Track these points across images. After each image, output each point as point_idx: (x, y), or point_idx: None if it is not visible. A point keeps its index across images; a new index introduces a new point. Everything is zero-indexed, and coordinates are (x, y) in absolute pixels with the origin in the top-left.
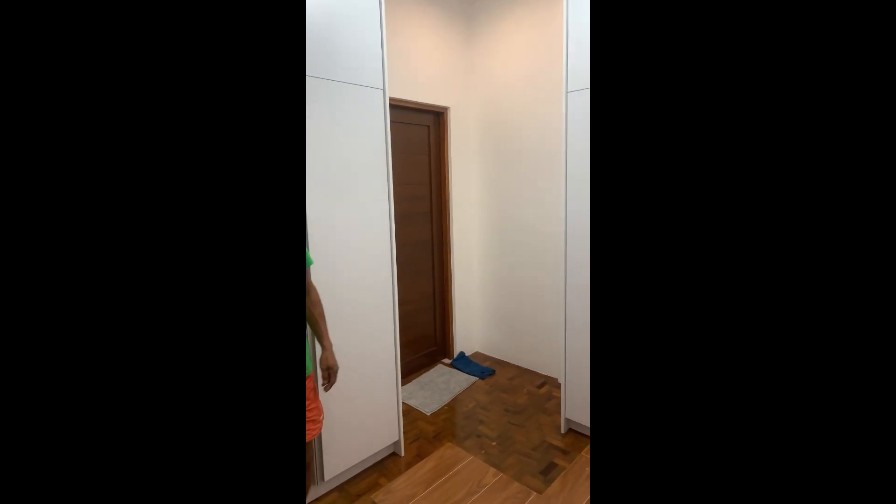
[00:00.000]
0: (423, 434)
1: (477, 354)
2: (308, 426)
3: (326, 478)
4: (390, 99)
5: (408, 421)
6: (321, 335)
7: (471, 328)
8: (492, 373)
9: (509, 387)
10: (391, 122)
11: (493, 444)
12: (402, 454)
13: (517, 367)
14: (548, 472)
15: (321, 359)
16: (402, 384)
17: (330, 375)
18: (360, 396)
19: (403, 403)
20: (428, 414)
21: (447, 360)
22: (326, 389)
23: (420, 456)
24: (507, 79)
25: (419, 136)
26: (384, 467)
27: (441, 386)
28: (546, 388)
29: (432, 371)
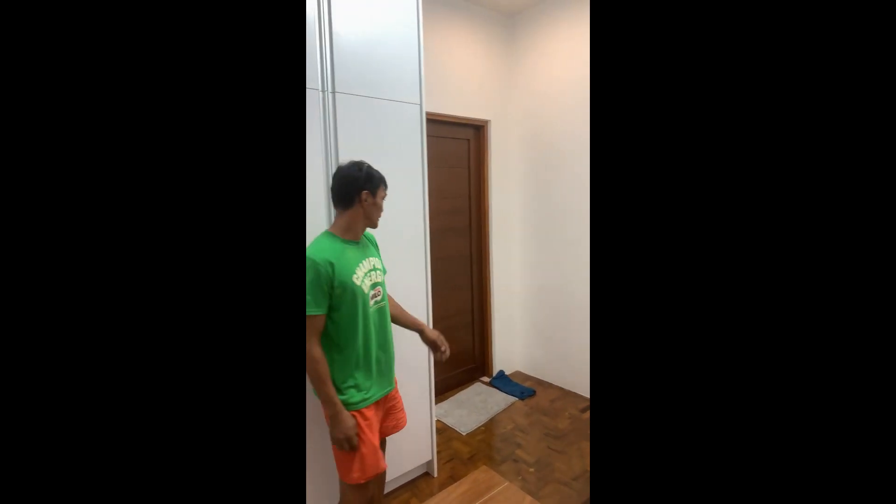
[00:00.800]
0: (458, 455)
1: (517, 373)
2: (399, 415)
3: None
4: (429, 114)
5: (442, 440)
6: (410, 322)
7: (511, 346)
8: (532, 393)
9: (550, 409)
10: (429, 136)
11: (531, 470)
12: (436, 475)
13: (559, 388)
14: None
15: (427, 334)
16: (439, 401)
17: (441, 342)
18: None
19: (438, 421)
20: (463, 434)
21: (486, 379)
22: (445, 356)
23: (454, 478)
24: (548, 90)
25: (458, 149)
26: (416, 487)
27: (478, 405)
28: (590, 413)
29: (469, 389)
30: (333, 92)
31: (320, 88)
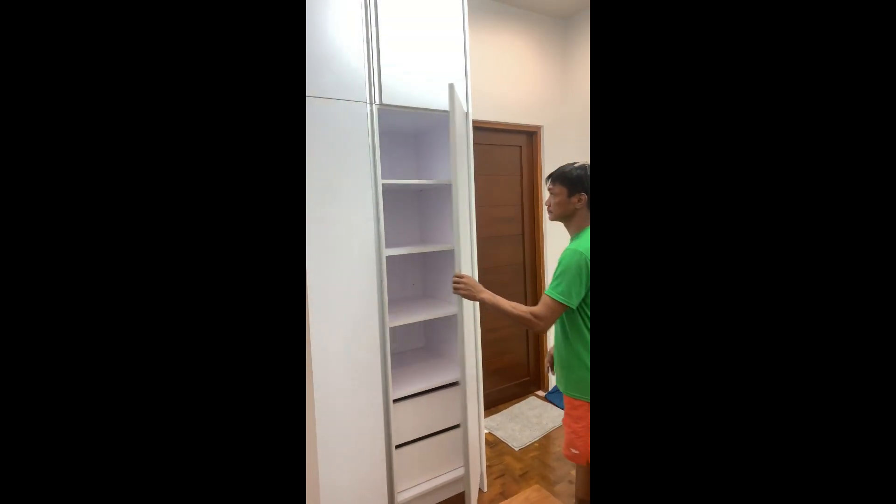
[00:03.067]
0: (510, 470)
1: None
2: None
3: (398, 501)
4: (478, 121)
5: (494, 453)
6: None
7: None
8: None
9: None
10: (479, 144)
11: None
12: (485, 489)
13: None
14: None
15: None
16: (491, 414)
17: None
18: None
19: (490, 434)
20: (516, 449)
21: (541, 393)
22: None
23: (504, 494)
24: None
25: (509, 156)
26: (462, 501)
27: (532, 420)
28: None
29: (523, 403)
30: (380, 104)
31: (367, 101)
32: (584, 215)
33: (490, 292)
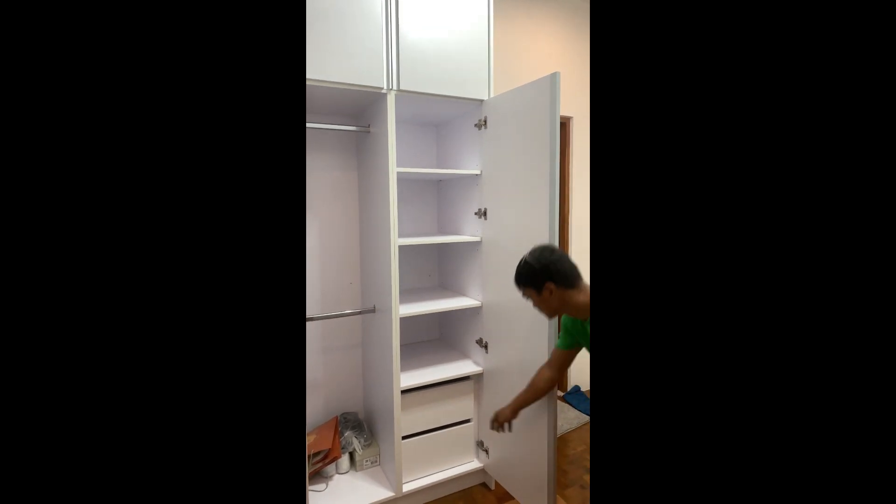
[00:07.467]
0: None
1: None
2: None
3: (404, 490)
4: None
5: None
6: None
7: (588, 360)
8: None
9: None
10: None
11: None
12: (493, 487)
13: None
14: None
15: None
16: None
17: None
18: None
19: None
20: None
21: (559, 393)
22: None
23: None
24: None
25: None
26: (471, 497)
27: None
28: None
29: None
30: (398, 90)
31: (385, 87)
32: (567, 299)
33: (511, 401)
